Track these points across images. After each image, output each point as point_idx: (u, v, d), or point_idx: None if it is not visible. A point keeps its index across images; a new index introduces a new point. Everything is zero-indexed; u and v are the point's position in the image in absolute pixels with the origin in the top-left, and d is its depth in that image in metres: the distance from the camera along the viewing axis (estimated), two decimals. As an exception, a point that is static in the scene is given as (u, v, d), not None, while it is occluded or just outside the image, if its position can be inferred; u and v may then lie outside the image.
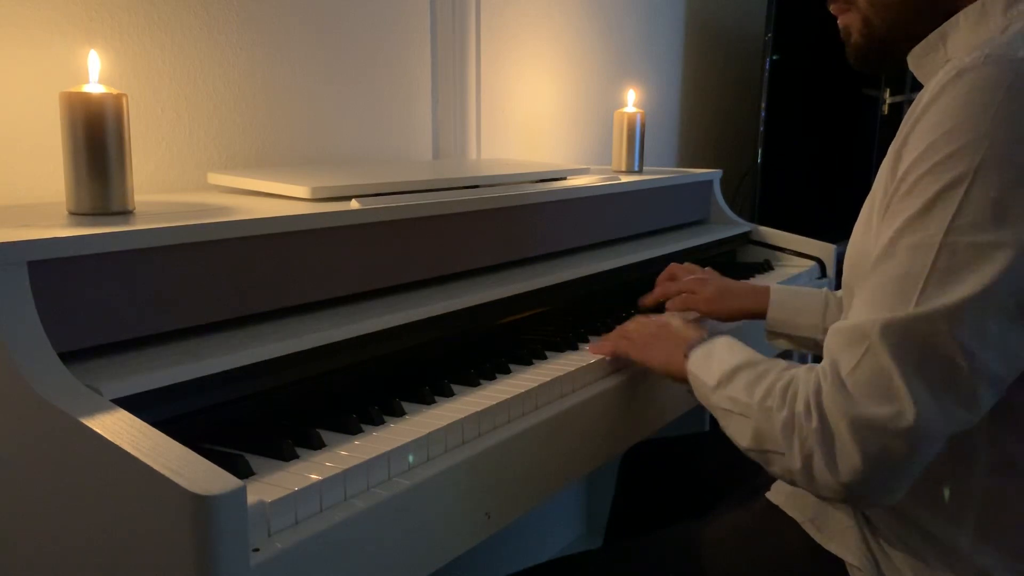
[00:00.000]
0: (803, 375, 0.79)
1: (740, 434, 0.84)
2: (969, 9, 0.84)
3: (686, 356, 0.96)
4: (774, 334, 1.26)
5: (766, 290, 1.26)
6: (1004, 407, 0.78)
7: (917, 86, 0.88)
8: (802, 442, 0.76)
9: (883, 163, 0.86)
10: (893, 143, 0.82)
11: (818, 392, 0.76)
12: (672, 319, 1.12)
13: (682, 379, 0.98)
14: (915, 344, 0.72)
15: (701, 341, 0.97)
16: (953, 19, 0.85)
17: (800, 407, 0.77)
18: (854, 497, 0.76)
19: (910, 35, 0.89)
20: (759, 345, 1.51)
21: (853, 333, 0.75)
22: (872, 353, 0.73)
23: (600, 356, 1.10)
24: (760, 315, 1.26)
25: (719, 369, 0.89)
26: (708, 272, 1.35)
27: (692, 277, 1.33)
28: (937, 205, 0.73)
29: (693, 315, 1.31)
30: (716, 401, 0.88)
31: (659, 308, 1.37)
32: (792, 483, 0.80)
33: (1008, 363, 0.74)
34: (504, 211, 1.23)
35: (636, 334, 1.11)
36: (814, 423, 0.75)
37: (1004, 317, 0.72)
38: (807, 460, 0.76)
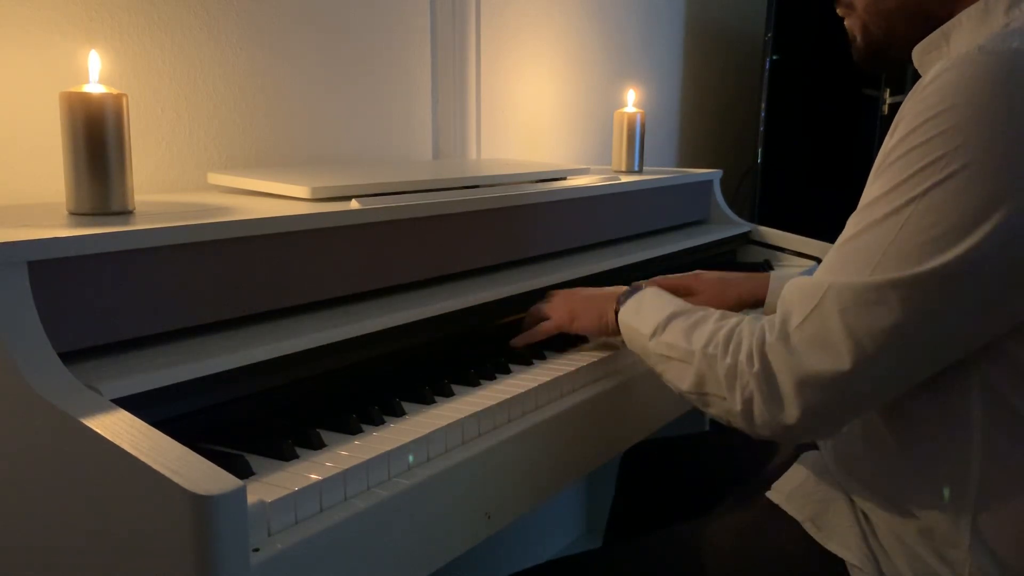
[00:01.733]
0: (747, 326, 0.84)
1: (679, 378, 0.89)
2: (972, 8, 0.84)
3: (616, 310, 1.02)
4: None
5: (764, 277, 1.27)
6: (1001, 406, 0.78)
7: (918, 85, 0.89)
8: (743, 388, 0.82)
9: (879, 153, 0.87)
10: (887, 136, 0.83)
11: (762, 342, 0.81)
12: (579, 288, 1.16)
13: (615, 333, 1.04)
14: (863, 309, 0.76)
15: (628, 293, 1.03)
16: (956, 19, 0.86)
17: (743, 356, 0.82)
18: (788, 437, 0.86)
19: (907, 40, 0.91)
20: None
21: (809, 290, 0.79)
22: (820, 311, 0.78)
23: (527, 343, 1.12)
24: (758, 302, 1.27)
25: (653, 318, 0.94)
26: (699, 271, 1.33)
27: (689, 273, 1.32)
28: (912, 181, 0.75)
29: None
30: (653, 348, 0.93)
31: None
32: (729, 424, 0.86)
33: (953, 337, 0.77)
34: (504, 211, 1.23)
35: (555, 311, 1.13)
36: (756, 370, 0.80)
37: (957, 298, 0.74)
38: (747, 404, 0.82)
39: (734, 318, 0.88)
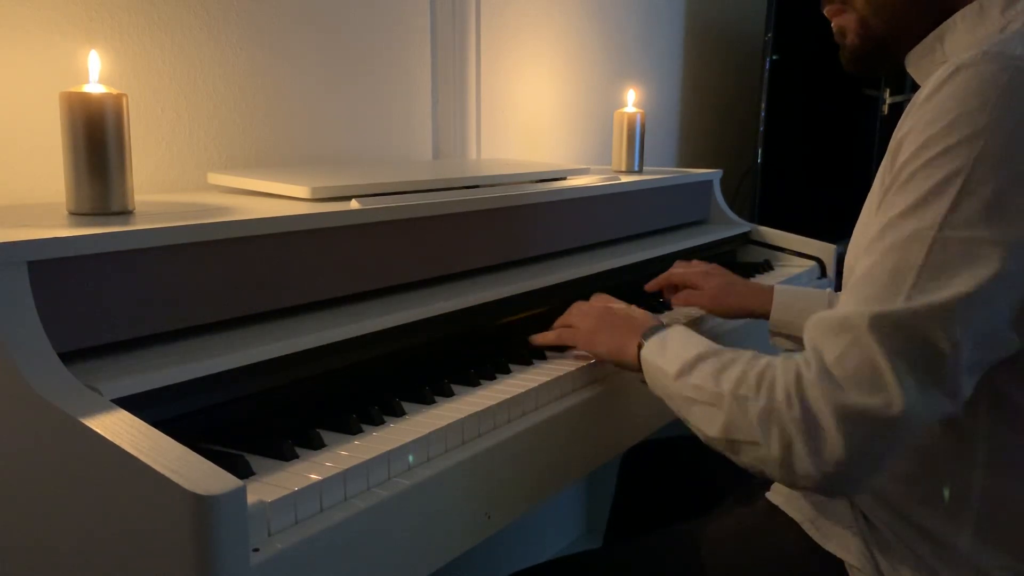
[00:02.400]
0: (780, 364, 0.78)
1: (706, 423, 0.82)
2: (967, 9, 0.84)
3: (639, 344, 0.96)
4: (777, 335, 1.26)
5: (769, 290, 1.26)
6: (1004, 406, 0.78)
7: (917, 86, 0.88)
8: (781, 431, 0.75)
9: (883, 162, 0.86)
10: (892, 141, 0.82)
11: (799, 380, 0.75)
12: (615, 303, 1.10)
13: (634, 368, 0.97)
14: (904, 337, 0.71)
15: (654, 329, 0.96)
16: (950, 20, 0.85)
17: (780, 395, 0.75)
18: (829, 487, 0.75)
19: (908, 35, 0.89)
20: (762, 345, 1.51)
21: (839, 323, 0.74)
22: (859, 343, 0.72)
23: (545, 343, 1.10)
24: (762, 315, 1.26)
25: (678, 357, 0.88)
26: (714, 267, 1.34)
27: (698, 269, 1.33)
28: (931, 199, 0.73)
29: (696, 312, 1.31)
30: (677, 390, 0.86)
31: (656, 300, 1.37)
32: (762, 473, 0.79)
33: (993, 353, 0.75)
34: (504, 211, 1.23)
35: (581, 321, 1.08)
36: (796, 412, 0.74)
37: (993, 314, 0.72)
38: (786, 450, 0.75)
39: (766, 358, 0.81)
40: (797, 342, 1.26)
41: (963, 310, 0.71)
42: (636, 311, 1.06)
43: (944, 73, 0.75)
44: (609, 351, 1.02)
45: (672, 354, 0.90)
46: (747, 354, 0.83)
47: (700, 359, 0.86)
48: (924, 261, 0.72)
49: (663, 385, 0.90)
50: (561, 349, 1.12)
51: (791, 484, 0.77)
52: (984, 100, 0.72)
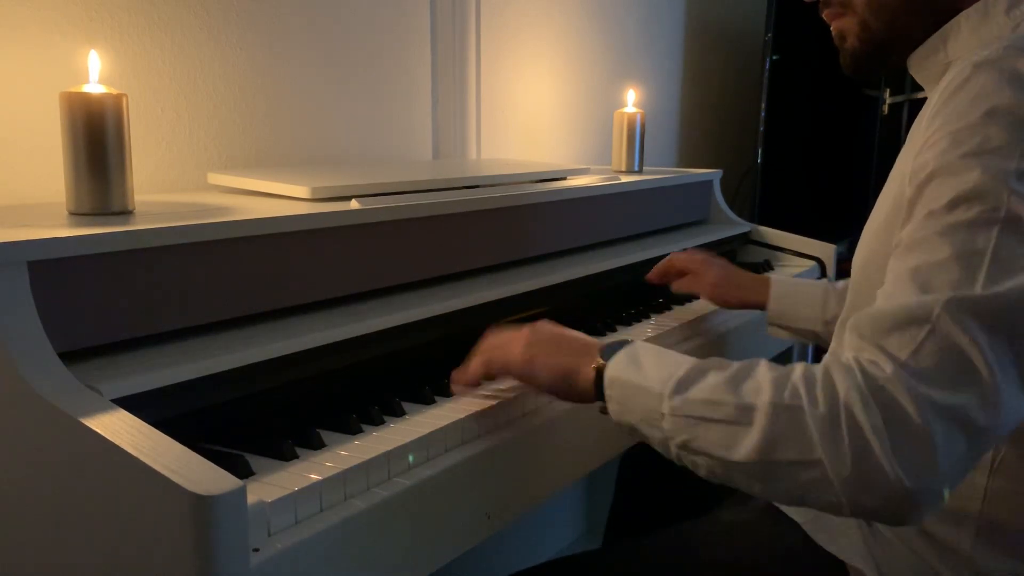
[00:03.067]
0: (833, 365, 0.67)
1: (726, 446, 0.68)
2: (971, 10, 0.84)
3: (598, 366, 0.79)
4: (774, 326, 1.27)
5: (766, 281, 1.27)
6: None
7: (917, 86, 0.88)
8: (856, 441, 0.63)
9: (891, 177, 0.85)
10: (904, 153, 0.80)
11: (872, 380, 0.64)
12: (536, 323, 0.89)
13: (586, 396, 0.81)
14: (993, 324, 0.64)
15: (613, 347, 0.80)
16: (954, 21, 0.84)
17: (851, 400, 0.64)
18: (910, 503, 0.63)
19: (909, 36, 0.88)
20: (764, 343, 1.51)
21: (902, 314, 0.66)
22: (938, 334, 0.64)
23: (462, 392, 0.92)
24: (760, 306, 1.27)
25: (666, 372, 0.74)
26: (713, 256, 1.34)
27: (698, 256, 1.33)
28: (987, 183, 0.68)
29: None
30: (675, 408, 0.72)
31: (663, 292, 1.37)
32: (801, 501, 0.67)
33: None
34: (504, 211, 1.23)
35: (509, 346, 0.88)
36: (875, 416, 0.63)
37: None
38: (860, 462, 0.63)
39: (792, 365, 0.70)
40: (794, 333, 1.26)
41: None
42: (570, 330, 0.88)
43: (966, 70, 0.74)
44: (556, 377, 0.83)
45: (654, 370, 0.75)
46: (759, 361, 0.72)
47: (701, 370, 0.73)
48: (995, 245, 0.66)
49: (646, 408, 0.74)
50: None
51: (854, 503, 0.65)
52: (1018, 89, 0.70)
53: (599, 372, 0.79)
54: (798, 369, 0.69)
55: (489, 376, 0.91)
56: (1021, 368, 0.65)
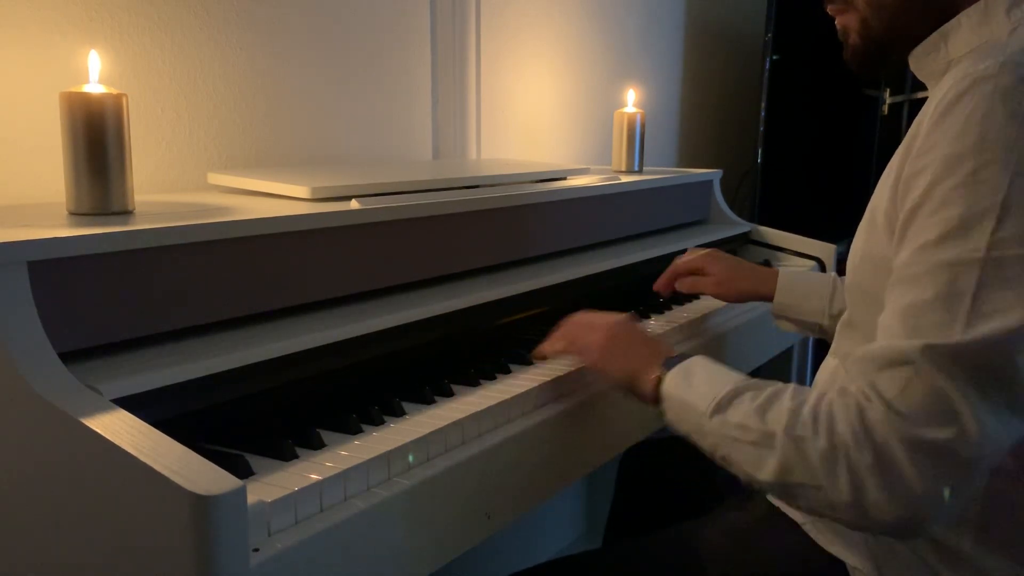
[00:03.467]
0: (837, 400, 0.73)
1: (754, 466, 0.76)
2: (971, 9, 0.83)
3: (658, 377, 0.88)
4: (780, 317, 1.26)
5: (774, 273, 1.26)
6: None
7: (917, 86, 0.88)
8: (850, 473, 0.70)
9: (887, 172, 0.85)
10: (902, 151, 0.80)
11: (863, 417, 0.70)
12: (619, 317, 1.00)
13: (647, 399, 0.90)
14: (970, 365, 0.69)
15: (674, 358, 0.89)
16: (955, 19, 0.84)
17: (845, 435, 0.71)
18: (905, 527, 0.71)
19: (909, 35, 0.88)
20: (764, 343, 1.51)
21: (893, 356, 0.71)
22: (922, 375, 0.69)
23: (543, 360, 1.02)
24: (767, 298, 1.26)
25: (710, 392, 0.82)
26: (716, 251, 1.34)
27: (703, 253, 1.32)
28: (974, 219, 0.70)
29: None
30: (715, 428, 0.80)
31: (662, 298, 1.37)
32: (825, 515, 0.74)
33: None
34: (504, 211, 1.23)
35: (588, 336, 0.98)
36: (866, 452, 0.70)
37: None
38: (856, 492, 0.70)
39: (812, 392, 0.76)
40: (801, 325, 1.25)
41: None
42: (646, 335, 0.98)
43: (962, 84, 0.74)
44: (623, 377, 0.93)
45: (701, 388, 0.83)
46: (788, 388, 0.78)
47: (736, 394, 0.80)
48: (977, 285, 0.69)
49: (693, 422, 0.83)
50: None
51: (862, 526, 0.73)
52: (1012, 112, 0.71)
53: (658, 382, 0.88)
54: (811, 401, 0.75)
55: (567, 354, 1.02)
56: (1002, 400, 0.69)
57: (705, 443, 0.83)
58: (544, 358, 1.05)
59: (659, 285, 1.35)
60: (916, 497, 0.68)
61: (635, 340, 0.96)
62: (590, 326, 1.00)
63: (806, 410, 0.74)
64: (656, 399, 0.88)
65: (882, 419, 0.70)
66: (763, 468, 0.76)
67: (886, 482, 0.69)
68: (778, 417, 0.75)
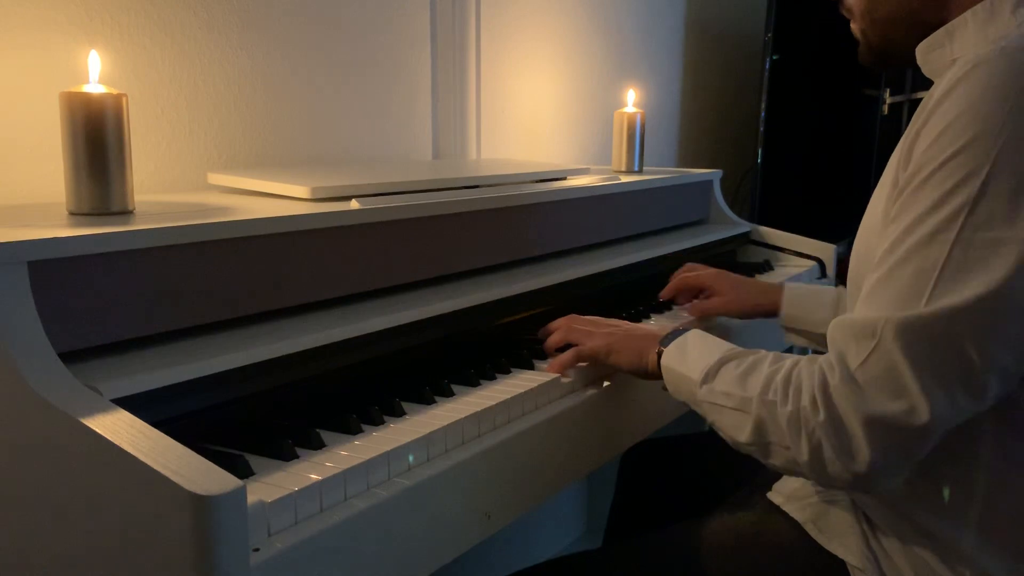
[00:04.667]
0: (805, 367, 0.79)
1: (736, 429, 0.83)
2: (978, 8, 0.84)
3: (659, 352, 0.95)
4: (789, 330, 1.27)
5: (778, 288, 1.27)
6: (1007, 405, 0.78)
7: (917, 86, 0.89)
8: (809, 435, 0.76)
9: (892, 158, 0.86)
10: (904, 138, 0.82)
11: (824, 385, 0.76)
12: (616, 321, 1.08)
13: (654, 376, 0.97)
14: (927, 343, 0.72)
15: (671, 335, 0.96)
16: (960, 18, 0.85)
17: (806, 400, 0.77)
18: (860, 486, 0.77)
19: (907, 46, 0.91)
20: (764, 343, 1.51)
21: (861, 328, 0.75)
22: (882, 349, 0.73)
23: (557, 375, 1.01)
24: (773, 313, 1.27)
25: (701, 363, 0.88)
26: (719, 270, 1.36)
27: (708, 272, 1.34)
28: (950, 199, 0.72)
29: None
30: (704, 396, 0.87)
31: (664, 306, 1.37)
32: (794, 474, 0.81)
33: (1019, 356, 0.74)
34: (504, 211, 1.23)
35: (587, 335, 1.05)
36: (822, 416, 0.75)
37: (1018, 313, 0.71)
38: (815, 452, 0.76)
39: (789, 359, 0.82)
40: (810, 337, 1.26)
41: (985, 310, 0.71)
42: (640, 325, 1.06)
43: (960, 70, 0.75)
44: (629, 361, 1.00)
45: (693, 360, 0.90)
46: (769, 356, 0.85)
47: (722, 363, 0.86)
48: (944, 263, 0.72)
49: (688, 392, 0.90)
50: (561, 349, 1.11)
51: (825, 484, 0.80)
52: (1002, 96, 0.72)
53: (659, 357, 0.95)
54: (785, 367, 0.81)
55: (571, 341, 1.05)
56: (953, 376, 0.72)
57: (700, 410, 0.89)
58: (552, 349, 1.08)
59: (665, 294, 1.37)
60: (866, 463, 0.74)
61: (633, 328, 1.04)
62: (591, 321, 1.08)
63: (779, 377, 0.80)
64: (658, 373, 0.95)
65: (839, 386, 0.75)
66: (742, 431, 0.82)
67: (839, 446, 0.75)
68: (755, 383, 0.82)
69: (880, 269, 0.77)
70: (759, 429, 0.80)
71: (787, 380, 0.79)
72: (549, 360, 1.05)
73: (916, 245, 0.74)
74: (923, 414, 0.72)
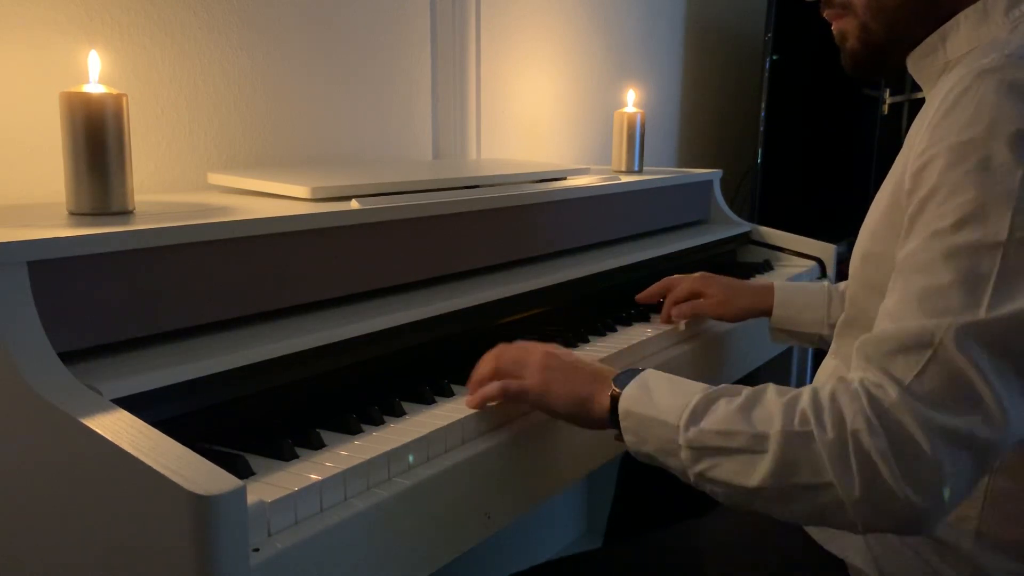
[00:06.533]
0: (840, 391, 0.70)
1: (744, 474, 0.71)
2: (970, 10, 0.84)
3: (612, 395, 0.81)
4: (779, 331, 1.26)
5: (769, 288, 1.27)
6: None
7: (917, 86, 0.88)
8: (863, 462, 0.67)
9: (890, 174, 0.86)
10: (904, 152, 0.81)
11: (877, 404, 0.68)
12: (556, 349, 0.91)
13: (600, 424, 0.83)
14: (995, 348, 0.67)
15: (625, 374, 0.83)
16: (953, 21, 0.85)
17: (859, 424, 0.67)
18: (916, 519, 0.67)
19: (908, 39, 0.89)
20: (763, 343, 1.51)
21: (907, 338, 0.69)
22: (941, 359, 0.67)
23: (475, 409, 0.88)
24: (764, 313, 1.27)
25: (678, 403, 0.76)
26: (706, 273, 1.34)
27: (695, 276, 1.32)
28: (991, 203, 0.70)
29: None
30: (690, 440, 0.74)
31: (655, 308, 1.37)
32: (823, 520, 0.71)
33: None
34: (504, 211, 1.23)
35: (519, 369, 0.89)
36: (883, 440, 0.66)
37: None
38: (870, 484, 0.67)
39: (796, 389, 0.73)
40: (800, 338, 1.26)
41: None
42: (582, 360, 0.89)
43: (967, 79, 0.74)
44: (569, 405, 0.85)
45: (666, 401, 0.77)
46: (767, 387, 0.75)
47: (710, 401, 0.75)
48: (1000, 268, 0.68)
49: (662, 439, 0.76)
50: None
51: (872, 523, 0.69)
52: (1020, 98, 0.71)
53: (614, 401, 0.81)
54: (806, 395, 0.72)
55: (497, 380, 0.90)
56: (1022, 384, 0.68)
57: (676, 461, 0.76)
58: (478, 403, 0.89)
59: (642, 298, 1.33)
60: (934, 483, 0.66)
61: (574, 365, 0.87)
62: (520, 362, 0.89)
63: (804, 403, 0.70)
64: (612, 420, 0.81)
65: (898, 403, 0.67)
66: (755, 475, 0.71)
67: (903, 467, 0.66)
68: (767, 416, 0.71)
69: (914, 279, 0.72)
70: (782, 469, 0.69)
71: (817, 406, 0.70)
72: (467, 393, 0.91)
73: (958, 254, 0.70)
74: (999, 421, 0.66)
